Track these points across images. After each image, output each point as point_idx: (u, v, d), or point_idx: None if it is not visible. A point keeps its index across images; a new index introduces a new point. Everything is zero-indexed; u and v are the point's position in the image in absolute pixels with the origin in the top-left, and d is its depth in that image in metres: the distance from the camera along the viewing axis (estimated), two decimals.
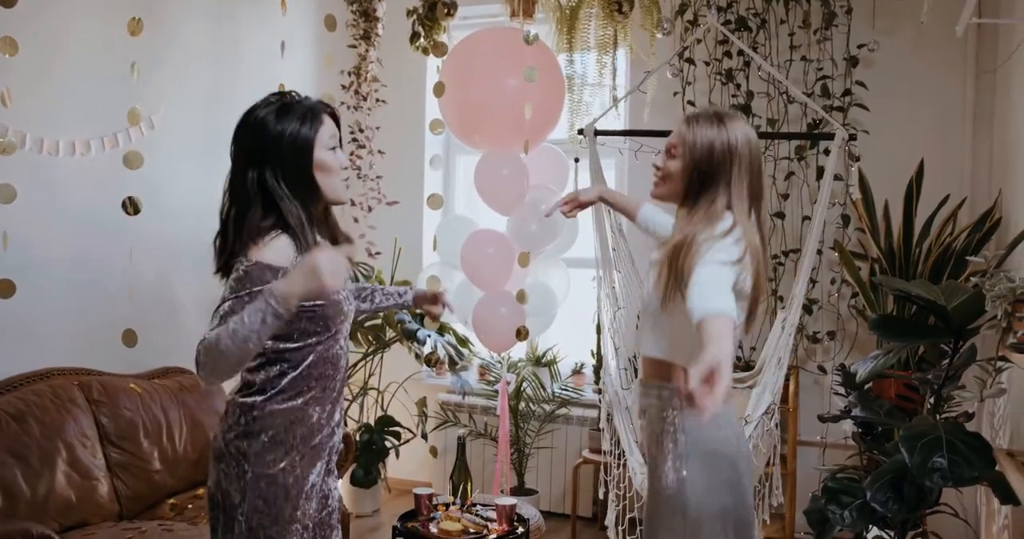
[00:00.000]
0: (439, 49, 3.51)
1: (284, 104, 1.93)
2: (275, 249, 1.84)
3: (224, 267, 1.93)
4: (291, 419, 1.93)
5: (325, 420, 1.99)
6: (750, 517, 2.04)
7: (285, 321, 1.74)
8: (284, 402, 1.93)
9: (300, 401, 1.94)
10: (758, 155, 2.07)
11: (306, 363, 1.94)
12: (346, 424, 4.56)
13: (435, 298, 2.37)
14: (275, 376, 1.93)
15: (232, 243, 1.90)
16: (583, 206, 2.61)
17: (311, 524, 1.99)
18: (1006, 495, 2.38)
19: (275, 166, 1.88)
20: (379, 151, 5.00)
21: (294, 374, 1.93)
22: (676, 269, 1.92)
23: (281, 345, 1.92)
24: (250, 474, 1.91)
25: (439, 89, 3.45)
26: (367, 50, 4.84)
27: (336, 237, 2.05)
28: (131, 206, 2.96)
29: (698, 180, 2.00)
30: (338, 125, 2.01)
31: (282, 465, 1.92)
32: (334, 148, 1.95)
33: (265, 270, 1.81)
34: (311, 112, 1.93)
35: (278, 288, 1.72)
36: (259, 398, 1.93)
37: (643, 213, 2.49)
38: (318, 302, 1.89)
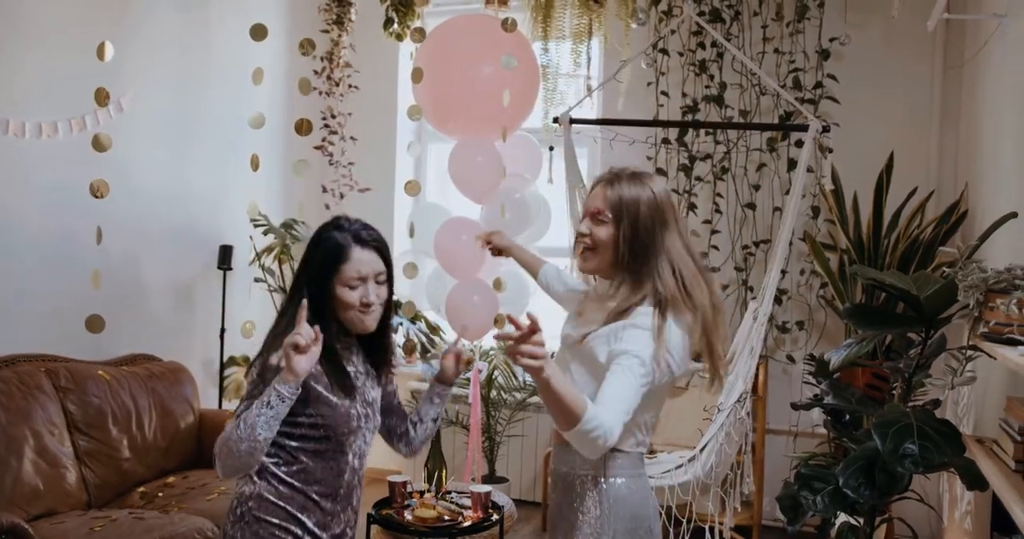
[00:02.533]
0: (417, 35, 3.48)
1: (327, 231, 1.95)
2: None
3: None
4: (278, 509, 1.92)
5: (313, 524, 1.94)
6: None
7: (289, 403, 1.79)
8: (277, 495, 1.92)
9: (290, 504, 1.92)
10: (676, 210, 1.93)
11: (302, 464, 1.91)
12: None
13: (456, 359, 2.24)
14: (273, 464, 1.92)
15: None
16: (495, 249, 2.61)
17: None
18: (973, 481, 2.42)
19: (308, 286, 1.92)
20: (351, 137, 4.96)
21: (287, 470, 1.91)
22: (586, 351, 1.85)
23: (283, 441, 1.91)
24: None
25: (417, 75, 3.42)
26: (340, 35, 4.80)
27: (373, 356, 2.04)
28: (99, 189, 2.90)
29: (630, 244, 1.85)
30: (383, 257, 1.96)
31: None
32: (355, 287, 1.92)
33: (277, 372, 1.84)
34: (338, 247, 1.92)
35: (279, 389, 1.79)
36: (254, 485, 1.93)
37: (543, 271, 2.46)
38: (322, 405, 1.89)
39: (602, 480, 1.86)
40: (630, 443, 1.87)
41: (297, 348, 1.75)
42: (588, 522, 1.86)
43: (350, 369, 1.97)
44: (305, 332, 1.76)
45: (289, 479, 1.91)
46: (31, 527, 2.69)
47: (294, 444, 1.91)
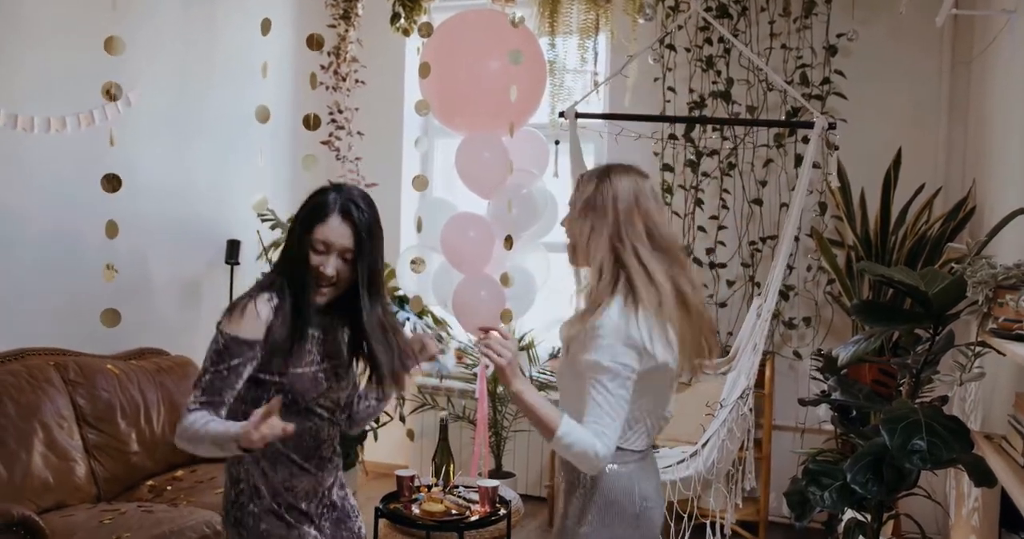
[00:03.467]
0: (425, 29, 3.48)
1: (318, 194, 1.98)
2: (247, 322, 1.88)
3: None
4: (263, 473, 1.97)
5: (291, 485, 1.99)
6: None
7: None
8: (253, 463, 1.96)
9: (268, 463, 1.97)
10: (646, 203, 1.93)
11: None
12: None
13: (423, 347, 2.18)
14: None
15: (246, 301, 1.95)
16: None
17: None
18: (981, 477, 2.43)
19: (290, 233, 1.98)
20: (358, 132, 4.97)
21: None
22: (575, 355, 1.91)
23: (252, 410, 1.87)
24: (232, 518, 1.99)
25: (424, 70, 3.42)
26: (347, 30, 4.80)
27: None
28: (111, 183, 2.91)
29: (584, 238, 1.93)
30: (358, 234, 1.93)
31: (250, 509, 1.97)
32: (321, 252, 1.92)
33: (242, 345, 1.87)
34: (319, 208, 1.94)
35: (237, 431, 1.76)
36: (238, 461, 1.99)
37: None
38: (286, 373, 1.92)
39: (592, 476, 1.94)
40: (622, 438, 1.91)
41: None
42: (575, 504, 1.96)
43: (320, 331, 1.99)
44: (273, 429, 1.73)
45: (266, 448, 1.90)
46: (42, 519, 2.71)
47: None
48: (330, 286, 1.94)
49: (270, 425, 1.69)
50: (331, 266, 1.91)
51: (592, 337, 1.85)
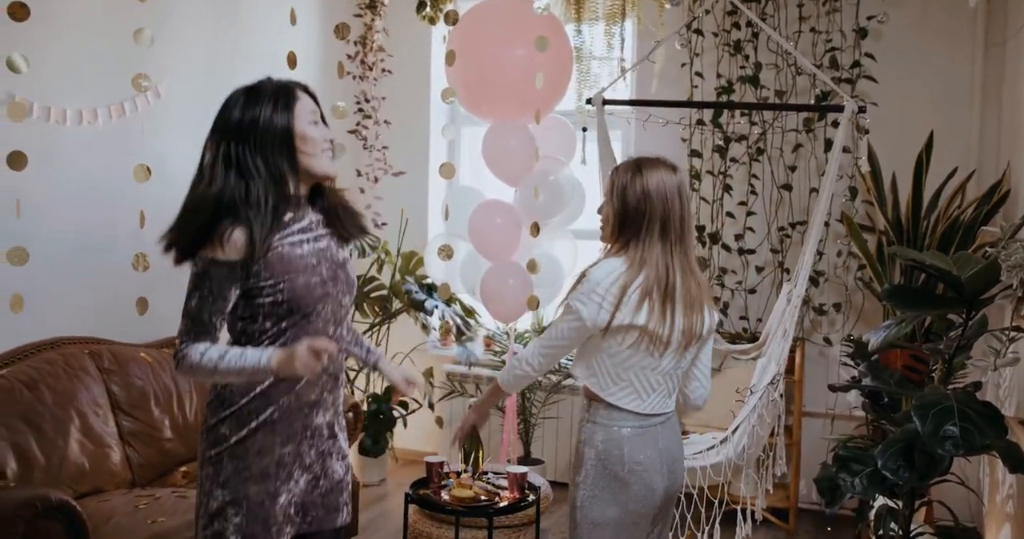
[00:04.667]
0: (451, 17, 3.48)
1: (253, 86, 1.93)
2: (229, 243, 1.82)
3: (181, 250, 1.88)
4: (255, 397, 1.91)
5: (297, 403, 1.95)
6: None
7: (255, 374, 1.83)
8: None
9: (266, 384, 1.91)
10: (674, 199, 2.17)
11: (274, 346, 1.89)
12: (352, 393, 4.59)
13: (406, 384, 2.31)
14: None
15: (197, 224, 1.85)
16: (474, 430, 2.59)
17: (288, 502, 1.96)
18: (1016, 464, 2.40)
19: (253, 147, 1.86)
20: (385, 121, 4.98)
21: None
22: None
23: (249, 327, 1.91)
24: (213, 450, 1.92)
25: (451, 58, 3.43)
26: (373, 19, 4.81)
27: (335, 211, 2.02)
28: (142, 172, 2.96)
29: (620, 224, 2.18)
30: (316, 102, 1.97)
31: (239, 438, 1.90)
32: (315, 122, 1.93)
33: (221, 266, 1.83)
34: (283, 89, 1.92)
35: (269, 362, 1.80)
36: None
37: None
38: (279, 283, 1.87)
39: (586, 425, 2.24)
40: (607, 392, 2.18)
41: (315, 358, 1.76)
42: (577, 458, 2.26)
43: (308, 226, 1.95)
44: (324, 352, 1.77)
45: None
46: (79, 504, 2.76)
47: (259, 327, 1.90)
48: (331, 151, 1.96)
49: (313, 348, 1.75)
50: (327, 130, 1.96)
51: (577, 281, 2.17)
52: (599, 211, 2.28)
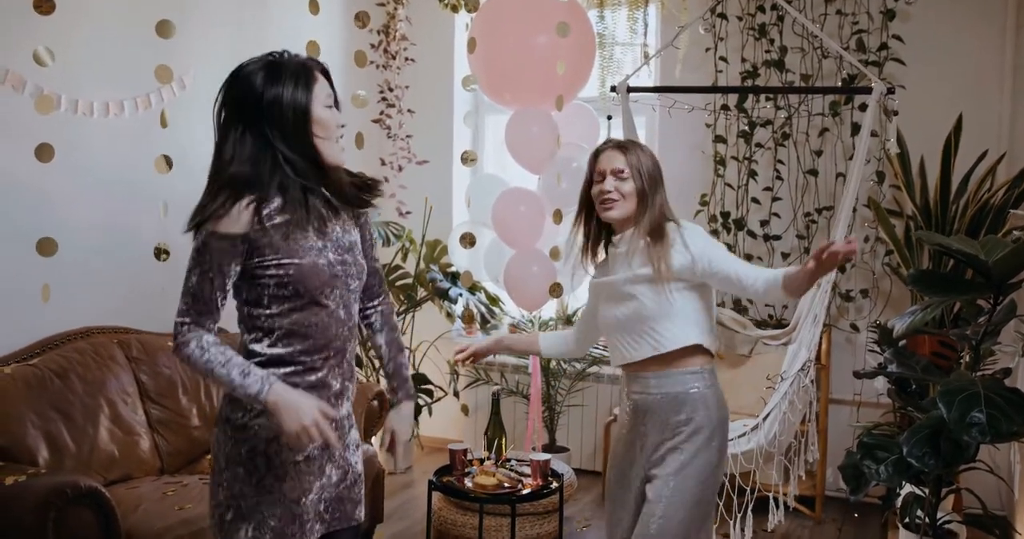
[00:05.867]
0: (472, 4, 3.47)
1: (274, 62, 1.86)
2: (232, 217, 1.78)
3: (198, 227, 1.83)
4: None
5: (314, 392, 1.88)
6: None
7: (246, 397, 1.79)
8: (264, 369, 1.84)
9: (281, 371, 1.86)
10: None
11: (281, 331, 1.86)
12: (379, 381, 4.62)
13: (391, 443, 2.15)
14: (252, 341, 1.89)
15: (220, 202, 1.81)
16: (478, 357, 2.67)
17: (315, 499, 1.94)
18: None
19: (271, 126, 1.81)
20: (408, 110, 4.99)
21: (269, 341, 1.87)
22: (663, 270, 2.24)
23: (254, 311, 1.87)
24: (232, 441, 1.89)
25: (472, 45, 3.42)
26: (396, 8, 4.81)
27: (336, 187, 1.95)
28: (164, 163, 2.99)
29: (647, 196, 2.30)
30: (331, 84, 1.93)
31: (257, 430, 1.87)
32: (330, 106, 1.89)
33: (223, 240, 1.78)
34: (304, 69, 1.86)
35: (271, 395, 1.75)
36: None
37: (543, 343, 2.68)
38: (284, 263, 1.83)
39: (704, 391, 2.28)
40: (714, 347, 2.34)
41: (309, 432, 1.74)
42: (699, 423, 2.27)
43: (314, 221, 1.88)
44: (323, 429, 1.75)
45: (271, 351, 1.86)
46: (108, 491, 2.80)
47: (265, 311, 1.85)
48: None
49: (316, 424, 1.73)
50: (339, 115, 1.92)
51: (691, 240, 2.26)
52: (611, 187, 2.31)
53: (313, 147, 1.86)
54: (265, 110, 1.81)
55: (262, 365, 1.85)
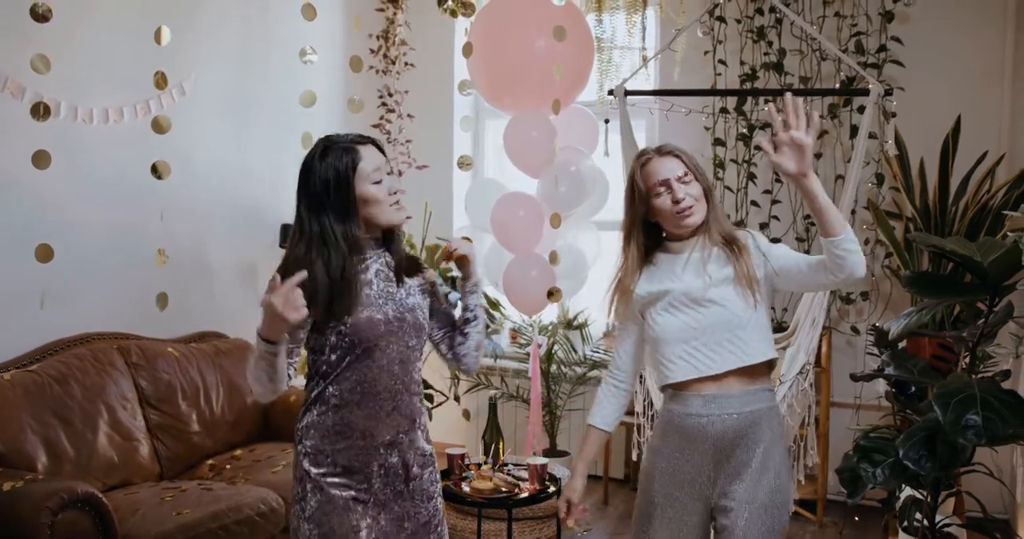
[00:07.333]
0: (469, 9, 3.48)
1: (326, 147, 1.99)
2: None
3: None
4: (329, 431, 1.99)
5: (363, 441, 2.00)
6: None
7: (275, 353, 1.85)
8: (321, 415, 2.00)
9: (336, 416, 1.99)
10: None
11: (336, 379, 1.99)
12: None
13: (449, 256, 2.26)
14: (313, 387, 2.02)
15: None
16: (577, 503, 2.47)
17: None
18: None
19: (325, 210, 1.96)
20: (408, 115, 5.00)
21: (328, 389, 1.99)
22: (751, 276, 2.15)
23: (319, 359, 2.01)
24: (306, 484, 2.00)
25: (467, 49, 3.43)
26: (395, 13, 4.82)
27: (399, 261, 2.09)
28: (158, 171, 3.00)
29: (711, 193, 2.23)
30: (383, 152, 2.04)
31: (322, 473, 1.99)
32: (379, 181, 1.98)
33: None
34: (347, 150, 1.97)
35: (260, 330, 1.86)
36: (306, 411, 2.04)
37: (605, 424, 2.45)
38: (345, 323, 1.95)
39: (776, 409, 2.19)
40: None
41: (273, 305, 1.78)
42: (772, 442, 2.15)
43: (373, 276, 2.01)
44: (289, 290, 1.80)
45: (334, 397, 1.98)
46: (106, 497, 2.81)
47: (324, 359, 1.99)
48: (400, 201, 2.03)
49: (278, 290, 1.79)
50: (395, 183, 2.02)
51: (765, 248, 2.21)
52: (683, 194, 2.15)
53: (361, 221, 1.99)
54: (318, 196, 1.97)
55: (317, 404, 2.01)
